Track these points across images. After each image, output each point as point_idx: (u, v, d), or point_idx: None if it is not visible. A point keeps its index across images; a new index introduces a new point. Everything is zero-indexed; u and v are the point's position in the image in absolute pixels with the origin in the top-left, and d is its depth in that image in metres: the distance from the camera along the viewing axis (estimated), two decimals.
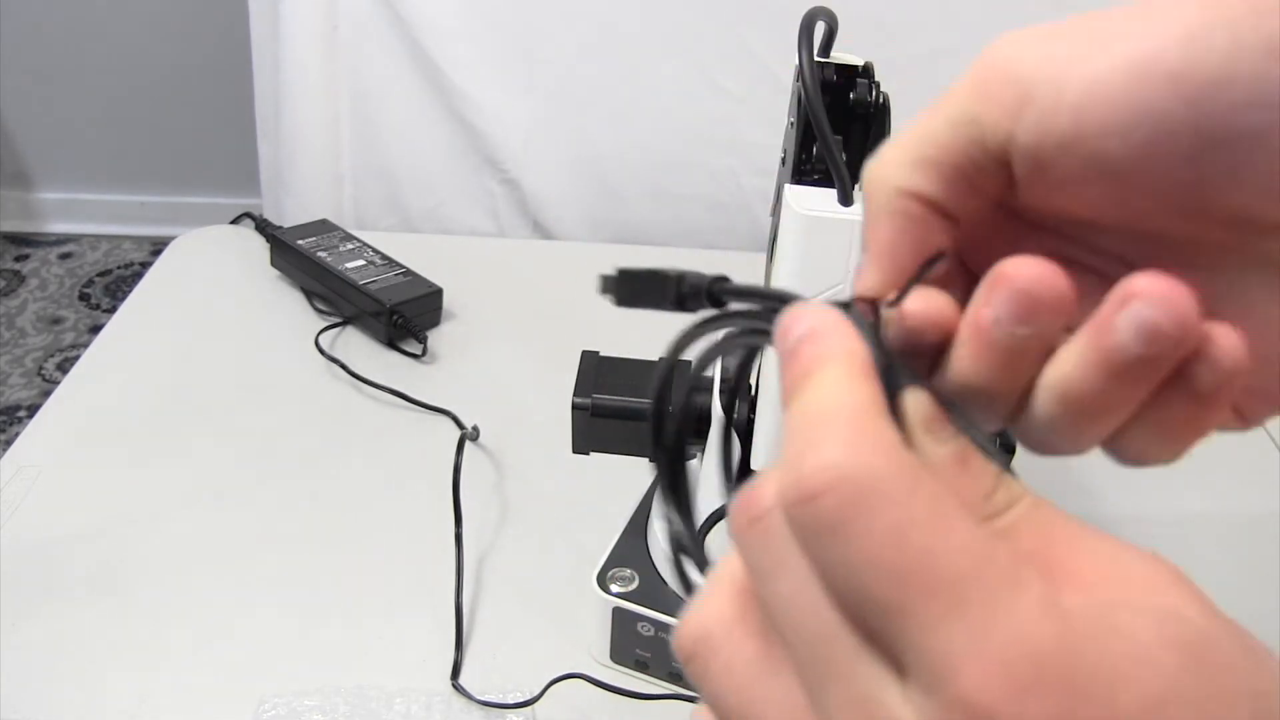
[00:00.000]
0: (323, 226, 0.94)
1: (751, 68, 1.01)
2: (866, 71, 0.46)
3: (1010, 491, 0.21)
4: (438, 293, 0.87)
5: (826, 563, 0.20)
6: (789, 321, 0.23)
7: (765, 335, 0.24)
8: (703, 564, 0.25)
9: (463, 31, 1.03)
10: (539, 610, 0.62)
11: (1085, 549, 0.21)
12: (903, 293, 0.24)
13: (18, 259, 2.32)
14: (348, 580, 0.64)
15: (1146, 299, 0.20)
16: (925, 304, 0.23)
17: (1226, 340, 0.21)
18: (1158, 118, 0.21)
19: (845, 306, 0.23)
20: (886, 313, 0.24)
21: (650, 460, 0.27)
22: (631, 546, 0.58)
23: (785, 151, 0.48)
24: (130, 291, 0.92)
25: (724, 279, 0.27)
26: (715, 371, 0.53)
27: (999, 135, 0.24)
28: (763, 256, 0.51)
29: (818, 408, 0.21)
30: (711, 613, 0.22)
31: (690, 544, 0.26)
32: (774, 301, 0.25)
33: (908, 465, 0.19)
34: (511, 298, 0.93)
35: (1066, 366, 0.22)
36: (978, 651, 0.18)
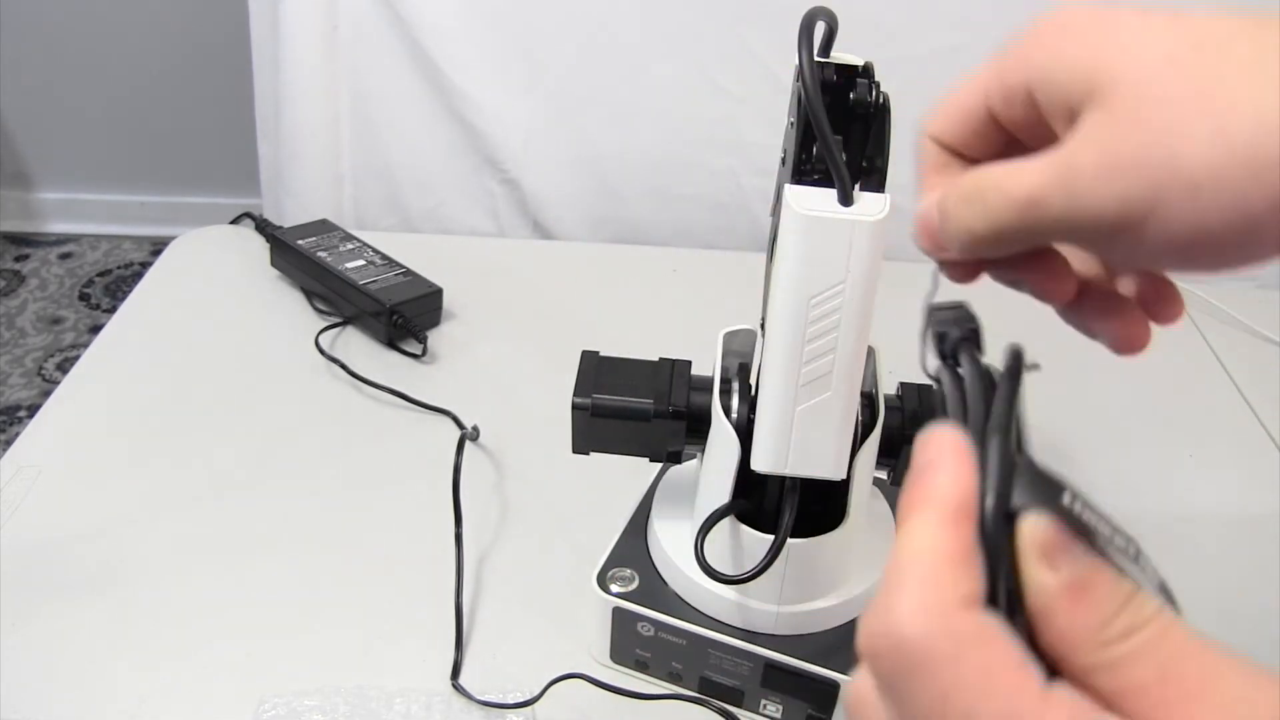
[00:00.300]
0: (323, 226, 0.94)
1: (751, 68, 1.01)
2: (866, 71, 0.46)
3: (1137, 616, 0.22)
4: (438, 293, 0.87)
5: (893, 706, 0.23)
6: (919, 446, 0.25)
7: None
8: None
9: (463, 31, 1.03)
10: (539, 610, 0.62)
11: (1211, 682, 0.21)
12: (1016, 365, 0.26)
13: (18, 259, 2.32)
14: (348, 580, 0.64)
15: None
16: None
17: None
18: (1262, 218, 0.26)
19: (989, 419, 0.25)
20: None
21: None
22: (631, 546, 0.58)
23: (785, 151, 0.48)
24: (130, 291, 0.92)
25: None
26: (715, 372, 0.53)
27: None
28: (763, 256, 0.51)
29: (901, 556, 0.23)
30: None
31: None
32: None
33: (963, 630, 0.21)
34: (511, 298, 0.93)
35: None
36: None
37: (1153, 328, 0.36)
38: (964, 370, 0.28)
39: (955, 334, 0.30)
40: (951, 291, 0.34)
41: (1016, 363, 0.27)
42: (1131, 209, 0.27)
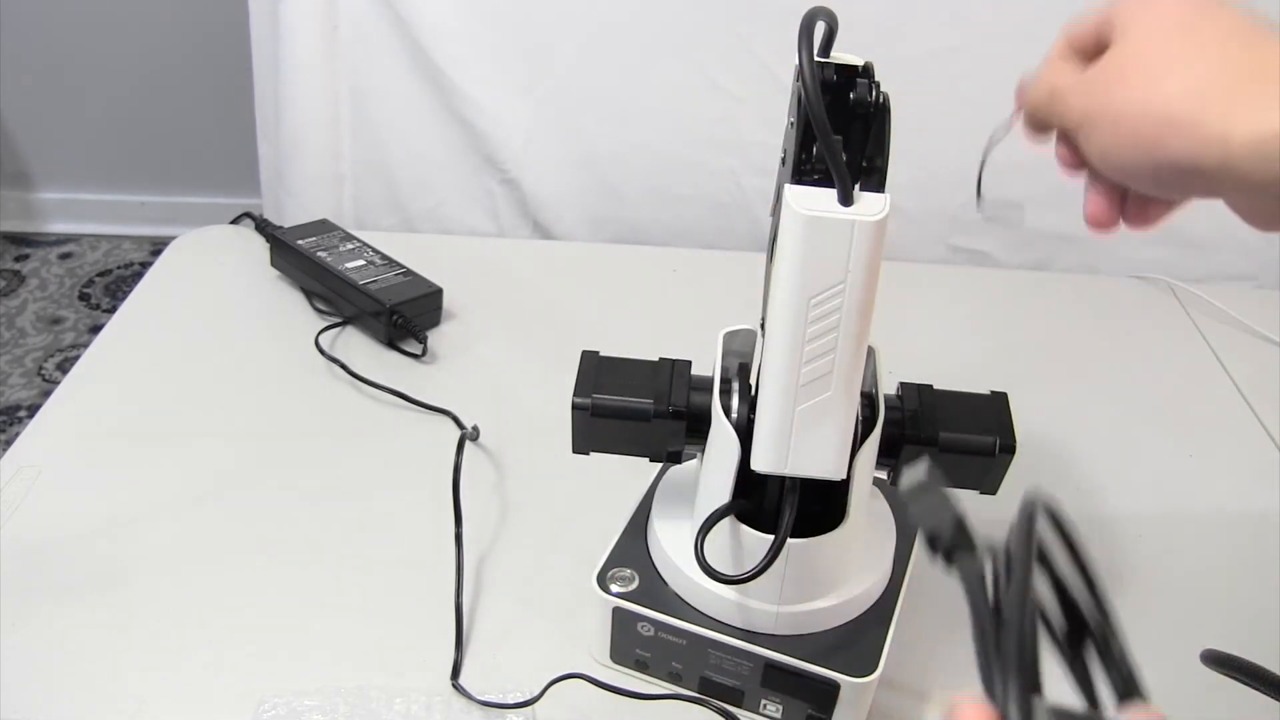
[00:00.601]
0: (323, 226, 0.94)
1: (751, 68, 1.01)
2: (866, 71, 0.46)
3: None
4: (438, 293, 0.87)
5: None
6: (947, 715, 0.28)
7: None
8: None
9: (463, 31, 1.03)
10: (539, 610, 0.62)
11: None
12: None
13: (18, 259, 2.32)
14: (348, 580, 0.64)
15: None
16: None
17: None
18: None
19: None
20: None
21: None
22: (631, 546, 0.58)
23: (785, 151, 0.48)
24: (130, 291, 0.92)
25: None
26: (715, 372, 0.53)
27: None
28: (763, 256, 0.51)
29: None
30: None
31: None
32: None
33: None
34: (511, 298, 0.93)
35: None
36: None
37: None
38: (967, 596, 0.28)
39: (945, 538, 0.30)
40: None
41: (1027, 546, 0.28)
42: (1080, 122, 0.40)
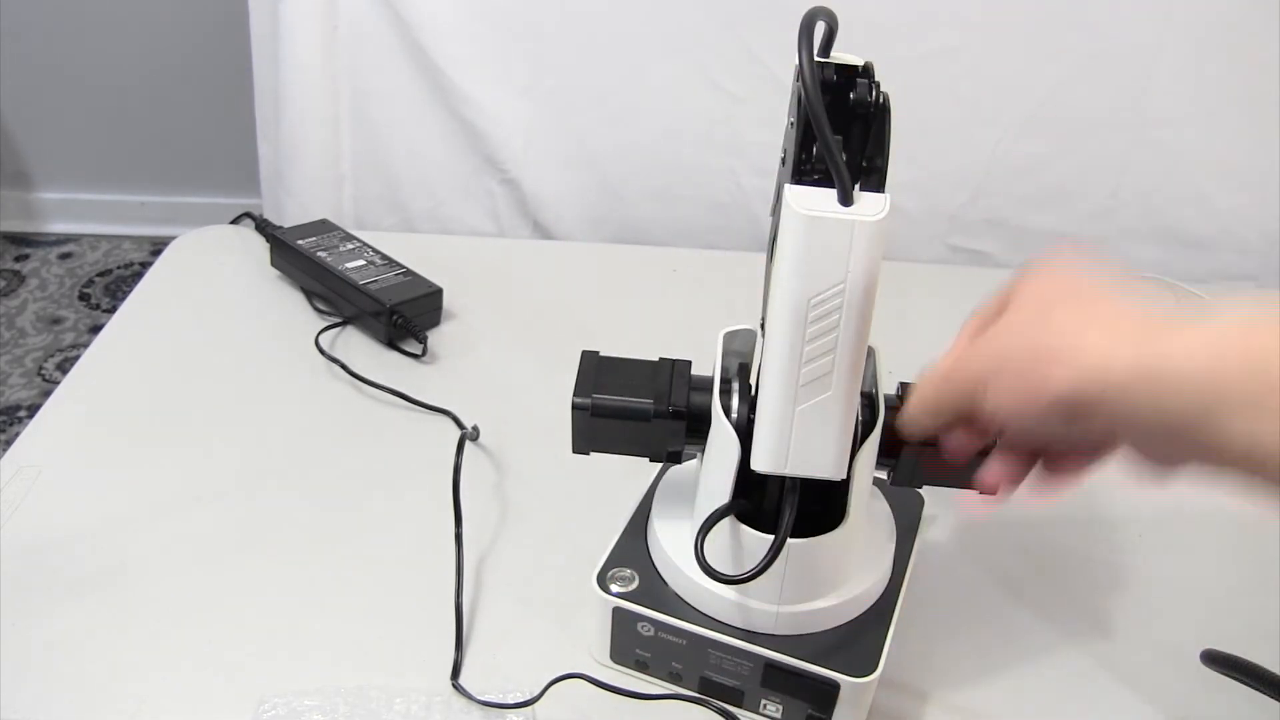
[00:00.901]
0: (323, 226, 0.94)
1: (751, 68, 1.01)
2: (866, 71, 0.46)
3: None
4: (438, 293, 0.87)
5: None
6: None
7: None
8: None
9: (463, 31, 1.03)
10: (539, 610, 0.62)
11: None
12: None
13: (18, 259, 2.32)
14: (348, 580, 0.64)
15: None
16: None
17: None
18: None
19: None
20: None
21: None
22: (631, 546, 0.58)
23: (785, 151, 0.48)
24: (130, 291, 0.92)
25: None
26: (715, 372, 0.53)
27: None
28: (763, 256, 0.51)
29: None
30: None
31: None
32: None
33: None
34: (511, 298, 0.93)
35: None
36: None
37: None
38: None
39: None
40: None
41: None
42: (979, 378, 0.41)
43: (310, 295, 0.90)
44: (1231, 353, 0.33)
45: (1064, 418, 0.37)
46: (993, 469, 0.46)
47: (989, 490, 0.46)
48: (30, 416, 1.06)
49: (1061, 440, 0.41)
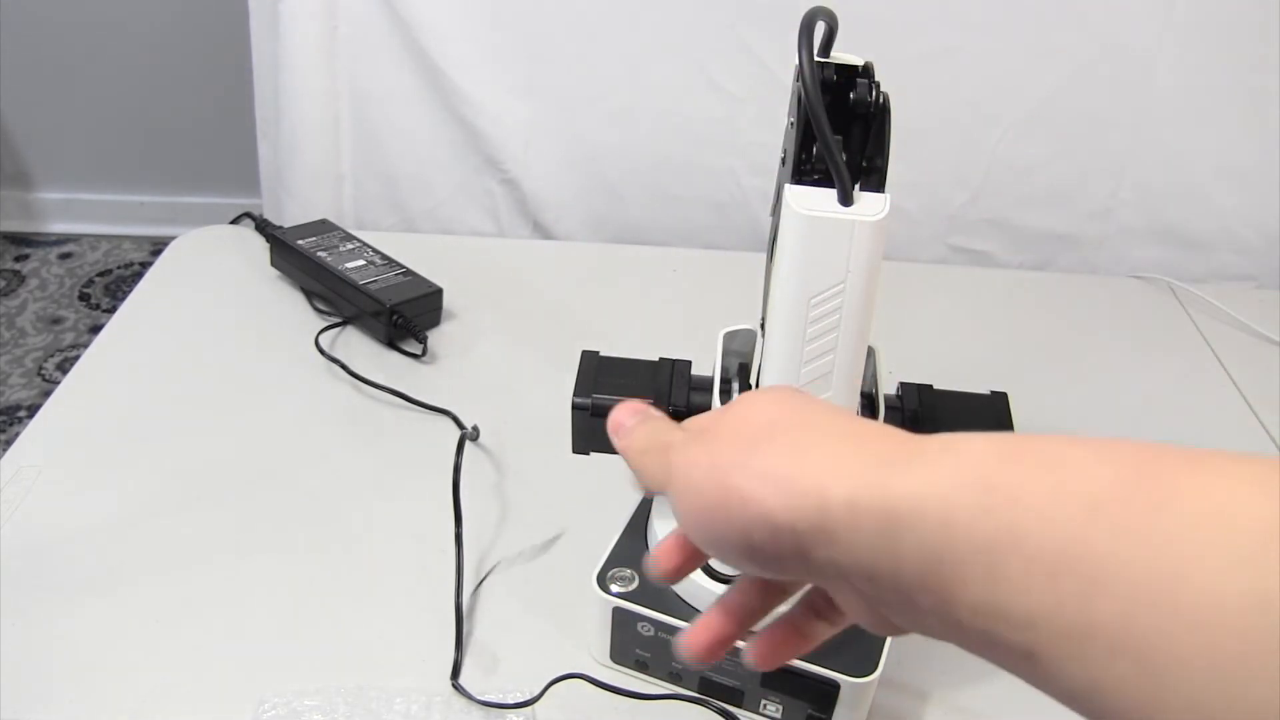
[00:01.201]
0: (323, 226, 0.94)
1: (751, 68, 1.01)
2: (866, 71, 0.46)
3: None
4: (438, 293, 0.87)
5: None
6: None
7: None
8: None
9: (463, 31, 1.03)
10: (539, 610, 0.62)
11: None
12: None
13: (18, 259, 2.32)
14: (348, 580, 0.64)
15: None
16: None
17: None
18: None
19: None
20: None
21: None
22: (631, 546, 0.58)
23: (785, 151, 0.48)
24: (130, 291, 0.92)
25: None
26: (715, 372, 0.53)
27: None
28: (763, 256, 0.51)
29: None
30: None
31: None
32: None
33: None
34: (511, 298, 0.93)
35: None
36: None
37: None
38: None
39: None
40: None
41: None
42: (673, 478, 0.36)
43: (310, 295, 0.90)
44: (965, 492, 0.27)
45: (767, 550, 0.32)
46: (699, 630, 0.41)
47: (698, 654, 0.41)
48: (30, 416, 1.06)
49: (752, 567, 0.34)
